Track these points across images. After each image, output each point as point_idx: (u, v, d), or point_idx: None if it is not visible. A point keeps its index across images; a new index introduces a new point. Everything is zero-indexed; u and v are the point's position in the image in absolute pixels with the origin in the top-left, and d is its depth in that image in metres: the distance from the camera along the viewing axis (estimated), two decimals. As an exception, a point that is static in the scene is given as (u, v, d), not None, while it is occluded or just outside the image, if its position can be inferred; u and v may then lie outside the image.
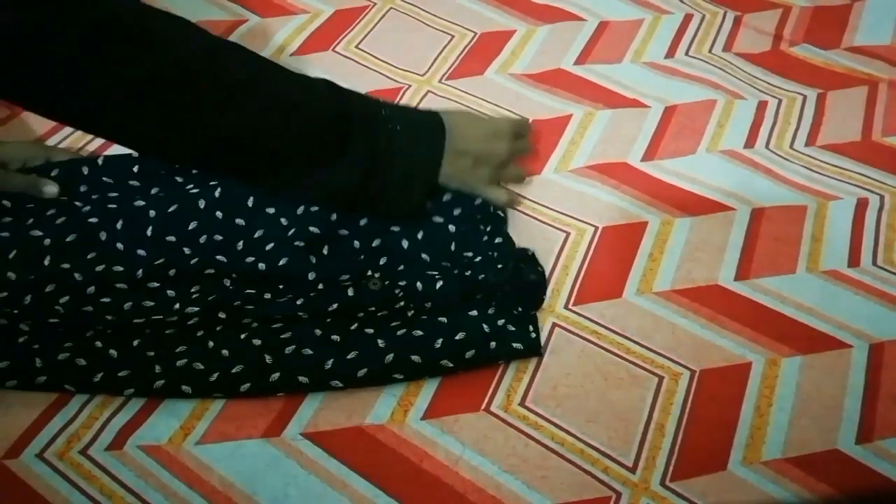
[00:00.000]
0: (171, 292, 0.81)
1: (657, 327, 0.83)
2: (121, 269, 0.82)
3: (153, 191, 0.87)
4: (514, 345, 0.79)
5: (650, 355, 0.81)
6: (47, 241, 0.82)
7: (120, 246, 0.83)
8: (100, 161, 0.90)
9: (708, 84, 1.10)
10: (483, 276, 0.83)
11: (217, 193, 0.86)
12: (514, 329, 0.80)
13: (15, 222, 0.84)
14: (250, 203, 0.86)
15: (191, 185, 0.88)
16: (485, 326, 0.80)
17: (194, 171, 0.89)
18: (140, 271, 0.81)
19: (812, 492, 0.72)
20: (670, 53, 1.16)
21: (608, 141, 1.02)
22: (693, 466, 0.73)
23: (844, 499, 0.72)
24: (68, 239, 0.83)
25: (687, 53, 1.16)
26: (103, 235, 0.83)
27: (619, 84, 1.10)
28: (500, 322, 0.80)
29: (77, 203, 0.86)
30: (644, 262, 0.89)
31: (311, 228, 0.85)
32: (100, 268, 0.82)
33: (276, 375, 0.76)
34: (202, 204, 0.85)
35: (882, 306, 0.86)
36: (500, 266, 0.84)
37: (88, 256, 0.82)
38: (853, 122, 1.07)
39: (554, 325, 0.83)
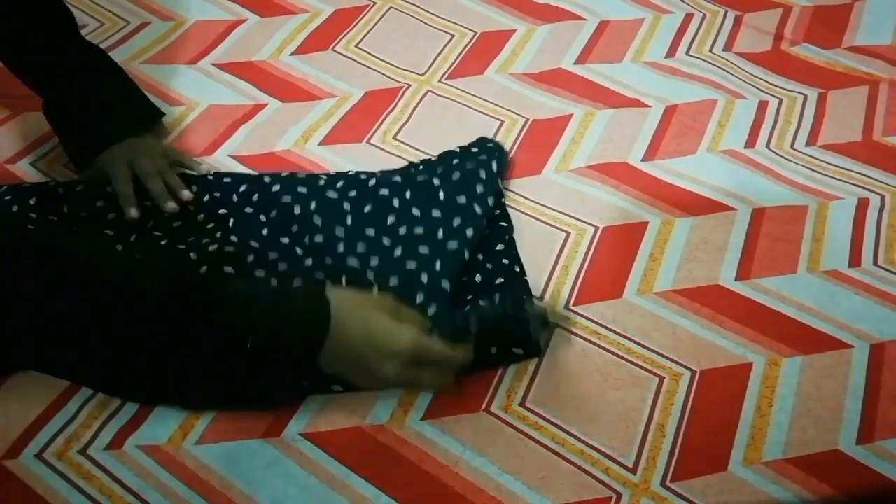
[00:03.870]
0: None
1: (658, 327, 0.83)
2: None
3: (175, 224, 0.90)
4: (515, 349, 0.79)
5: (651, 355, 0.81)
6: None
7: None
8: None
9: (708, 84, 1.10)
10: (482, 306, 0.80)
11: (231, 223, 0.89)
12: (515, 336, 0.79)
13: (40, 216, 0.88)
14: (265, 232, 0.88)
15: (201, 216, 0.90)
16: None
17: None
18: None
19: (813, 492, 0.71)
20: (671, 53, 1.16)
21: (608, 141, 1.02)
22: (693, 467, 0.73)
23: (845, 499, 0.72)
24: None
25: (687, 53, 1.16)
26: (119, 247, 0.85)
27: (619, 84, 1.10)
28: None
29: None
30: (644, 262, 0.89)
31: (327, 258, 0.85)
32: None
33: None
34: (218, 234, 0.88)
35: (883, 306, 0.86)
36: (498, 297, 0.82)
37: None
38: (854, 121, 1.07)
39: (554, 325, 0.83)
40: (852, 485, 0.72)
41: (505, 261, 0.86)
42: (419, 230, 0.87)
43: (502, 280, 0.84)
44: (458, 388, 0.77)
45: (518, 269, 0.86)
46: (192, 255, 0.84)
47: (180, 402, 0.74)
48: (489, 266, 0.86)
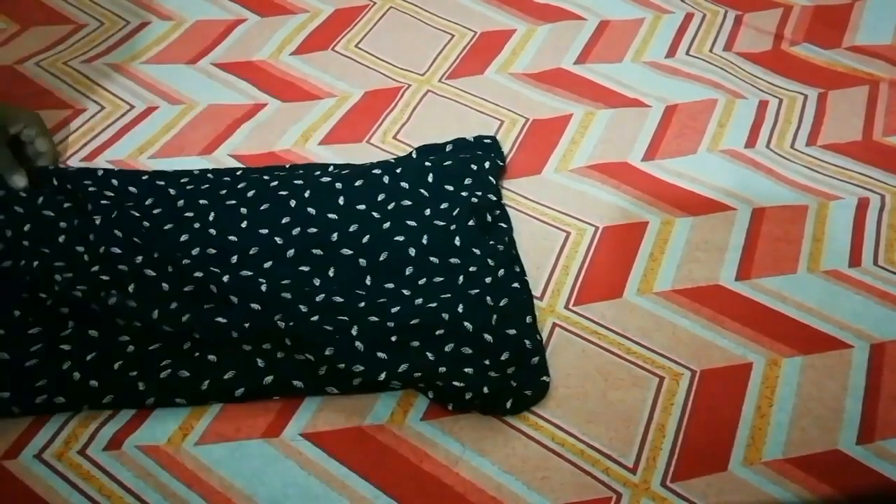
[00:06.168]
0: (165, 285, 0.82)
1: (658, 327, 0.83)
2: (125, 268, 0.83)
3: (148, 201, 0.89)
4: (525, 392, 0.77)
5: (651, 355, 0.81)
6: (62, 224, 0.86)
7: (117, 250, 0.84)
8: (113, 171, 0.93)
9: (709, 83, 1.10)
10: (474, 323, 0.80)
11: (211, 217, 0.88)
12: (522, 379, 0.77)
13: (29, 201, 0.88)
14: (244, 224, 0.88)
15: (181, 202, 0.90)
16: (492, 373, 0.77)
17: (189, 187, 0.91)
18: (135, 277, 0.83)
19: (813, 492, 0.71)
20: (671, 53, 1.16)
21: (609, 141, 1.02)
22: (694, 467, 0.73)
23: (845, 499, 0.72)
24: (76, 222, 0.86)
25: (688, 53, 1.16)
26: (97, 228, 0.86)
27: (619, 83, 1.10)
28: (510, 370, 0.78)
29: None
30: (645, 262, 0.89)
31: (315, 251, 0.85)
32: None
33: (269, 378, 0.76)
34: (196, 225, 0.87)
35: (883, 306, 0.86)
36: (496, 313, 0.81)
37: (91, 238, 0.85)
38: (854, 121, 1.07)
39: (554, 325, 0.83)
40: (852, 485, 0.72)
41: (503, 270, 0.85)
42: (407, 202, 0.90)
43: (506, 300, 0.83)
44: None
45: (518, 270, 0.86)
46: (182, 259, 0.84)
47: None
48: (489, 273, 0.85)
